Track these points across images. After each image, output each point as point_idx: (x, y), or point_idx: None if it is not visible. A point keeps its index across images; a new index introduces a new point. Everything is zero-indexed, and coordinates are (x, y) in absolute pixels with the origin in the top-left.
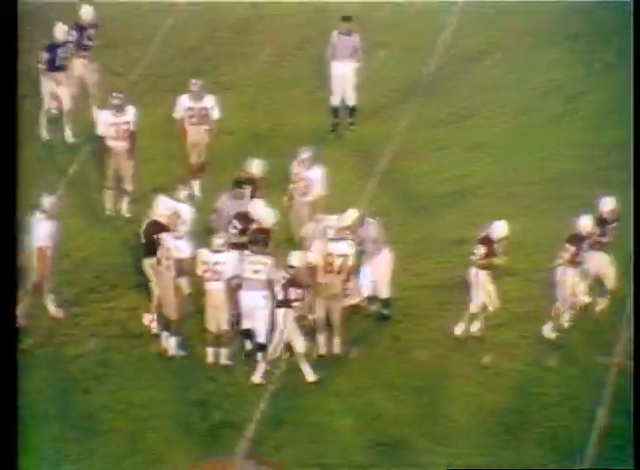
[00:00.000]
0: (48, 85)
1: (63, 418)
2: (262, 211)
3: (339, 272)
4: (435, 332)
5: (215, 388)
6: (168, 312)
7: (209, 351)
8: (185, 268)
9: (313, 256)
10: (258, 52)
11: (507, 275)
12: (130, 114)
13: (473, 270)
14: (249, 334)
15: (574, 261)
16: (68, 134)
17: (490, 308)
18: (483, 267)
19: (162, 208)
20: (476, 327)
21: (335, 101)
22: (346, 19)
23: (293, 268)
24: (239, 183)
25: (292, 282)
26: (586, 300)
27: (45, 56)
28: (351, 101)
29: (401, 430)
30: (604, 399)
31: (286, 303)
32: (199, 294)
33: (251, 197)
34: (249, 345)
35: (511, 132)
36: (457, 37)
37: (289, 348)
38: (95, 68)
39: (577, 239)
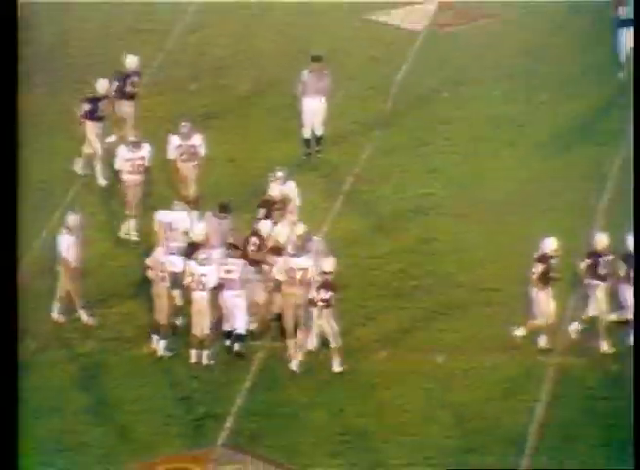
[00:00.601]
0: (85, 131)
1: (62, 412)
2: (273, 230)
3: (300, 284)
4: (395, 333)
5: (198, 385)
6: (160, 318)
7: (193, 352)
8: (179, 281)
9: (276, 270)
10: (239, 84)
11: (457, 286)
12: (145, 150)
13: (534, 288)
14: (229, 334)
15: (597, 276)
16: (97, 174)
17: (549, 321)
18: (543, 284)
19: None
20: (543, 341)
21: (306, 134)
22: (316, 58)
23: (327, 274)
24: (224, 206)
25: (323, 285)
26: (610, 318)
27: (86, 107)
28: (319, 131)
29: (364, 422)
30: (543, 395)
31: (315, 302)
32: (186, 302)
33: (268, 217)
34: (228, 342)
35: (463, 158)
36: (414, 73)
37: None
38: (134, 112)
39: (593, 254)
